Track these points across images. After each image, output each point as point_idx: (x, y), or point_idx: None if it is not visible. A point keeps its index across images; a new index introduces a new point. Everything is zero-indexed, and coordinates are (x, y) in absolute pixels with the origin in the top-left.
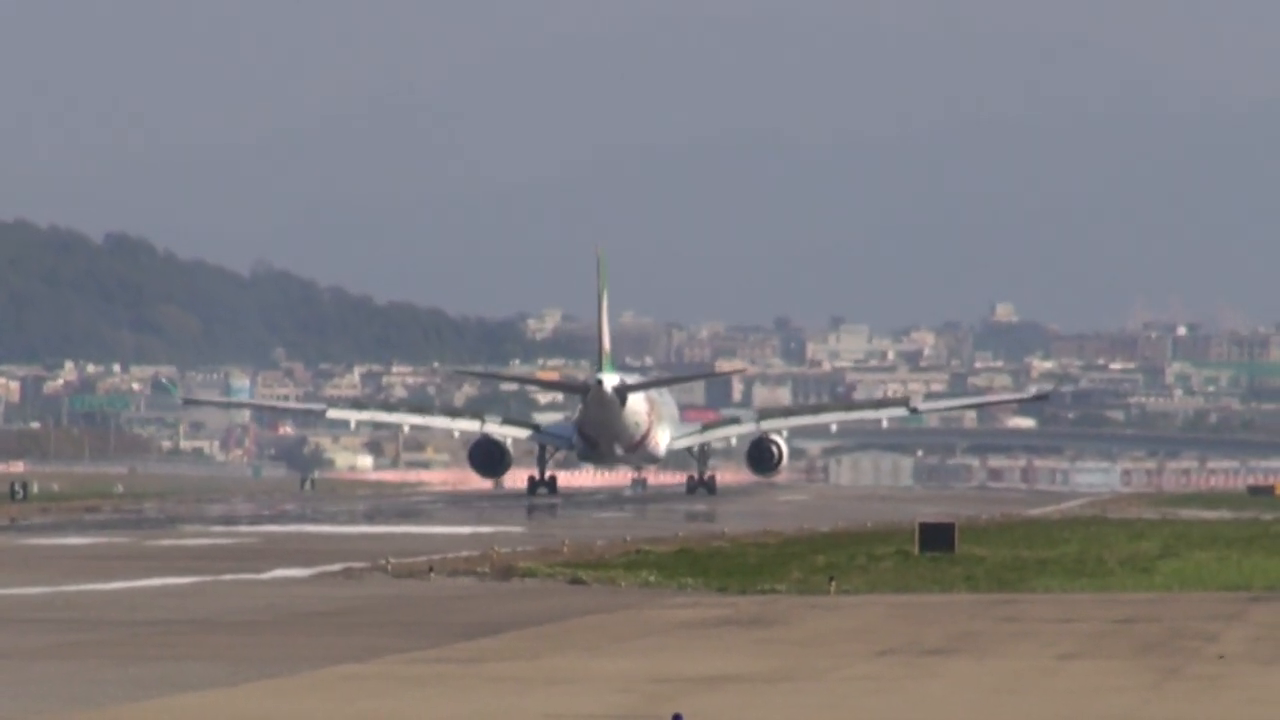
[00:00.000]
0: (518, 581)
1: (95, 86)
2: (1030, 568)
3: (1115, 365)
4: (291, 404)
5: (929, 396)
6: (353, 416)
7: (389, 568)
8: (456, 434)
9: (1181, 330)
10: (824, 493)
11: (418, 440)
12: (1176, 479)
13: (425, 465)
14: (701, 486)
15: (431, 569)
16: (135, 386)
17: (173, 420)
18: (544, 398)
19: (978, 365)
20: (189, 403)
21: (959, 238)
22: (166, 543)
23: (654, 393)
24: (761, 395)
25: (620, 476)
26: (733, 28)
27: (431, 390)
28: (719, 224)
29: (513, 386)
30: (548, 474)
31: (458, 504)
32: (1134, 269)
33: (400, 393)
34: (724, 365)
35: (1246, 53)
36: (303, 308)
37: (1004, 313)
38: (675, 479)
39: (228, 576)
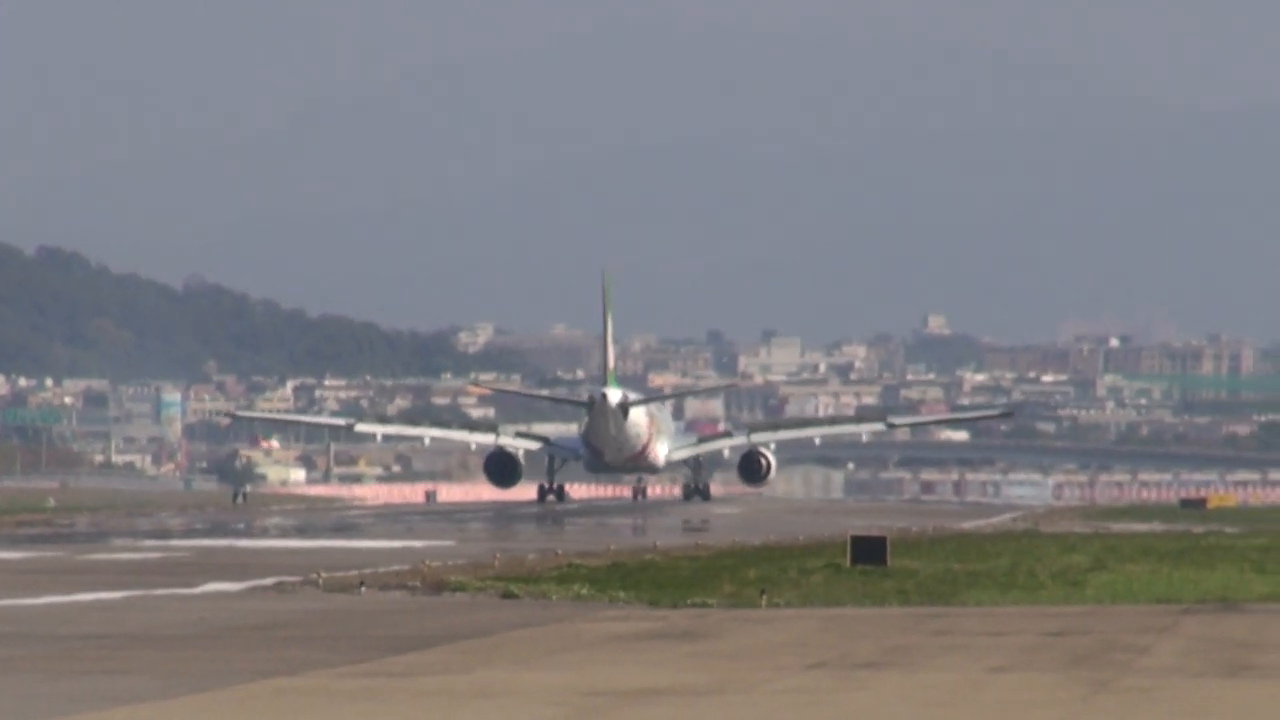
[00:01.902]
0: (449, 596)
1: (27, 100)
2: (962, 581)
3: (1047, 378)
4: (321, 419)
5: (894, 411)
6: (379, 430)
7: (320, 582)
8: (474, 446)
9: (1114, 342)
10: (756, 506)
11: (349, 454)
12: (1108, 492)
13: (358, 479)
14: (697, 494)
15: (363, 583)
16: (68, 400)
17: (104, 434)
18: (477, 411)
19: (910, 378)
20: (234, 418)
21: (891, 251)
22: (98, 557)
23: (653, 407)
24: (694, 408)
25: (623, 488)
26: (663, 44)
27: (364, 403)
28: (651, 238)
29: (445, 400)
30: (556, 484)
31: (389, 518)
32: (1066, 282)
33: (333, 406)
34: (659, 379)
35: (1179, 67)
36: (235, 321)
37: (936, 325)
38: (671, 490)
39: (159, 591)
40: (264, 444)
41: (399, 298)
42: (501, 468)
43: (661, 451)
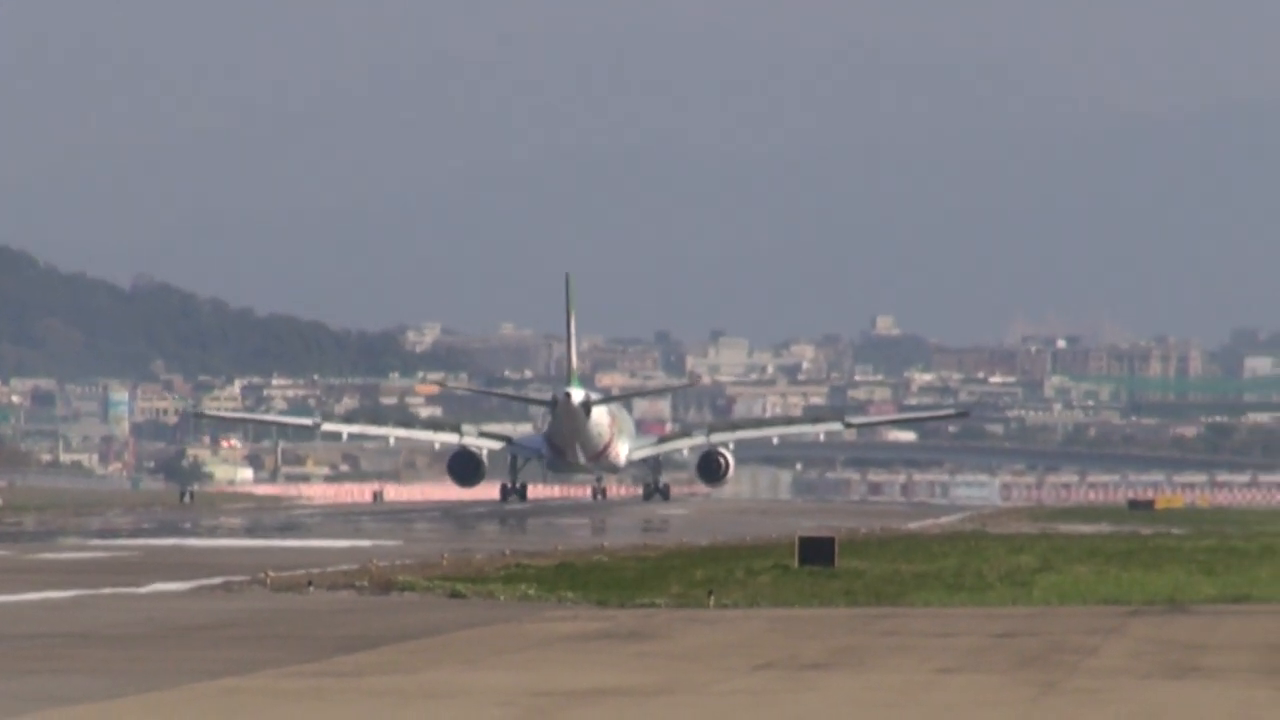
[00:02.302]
0: (396, 595)
1: None
2: (909, 582)
3: (995, 379)
4: (285, 418)
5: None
6: (344, 429)
7: (268, 581)
8: (437, 445)
9: (1061, 343)
10: (704, 506)
11: (297, 454)
12: (1056, 493)
13: (305, 479)
14: (657, 494)
15: (310, 583)
16: (15, 399)
17: (52, 433)
18: (425, 410)
19: (858, 378)
20: (200, 416)
21: (839, 251)
22: (45, 556)
23: (615, 406)
24: (641, 409)
25: (584, 488)
26: (609, 43)
27: (312, 402)
28: (599, 237)
29: (392, 399)
30: (518, 483)
31: (337, 518)
32: (1014, 283)
33: (280, 405)
34: (607, 379)
35: (1126, 70)
36: (183, 320)
37: (884, 326)
38: (632, 491)
39: (106, 590)
40: (226, 443)
41: (346, 297)
42: (464, 467)
43: (623, 451)
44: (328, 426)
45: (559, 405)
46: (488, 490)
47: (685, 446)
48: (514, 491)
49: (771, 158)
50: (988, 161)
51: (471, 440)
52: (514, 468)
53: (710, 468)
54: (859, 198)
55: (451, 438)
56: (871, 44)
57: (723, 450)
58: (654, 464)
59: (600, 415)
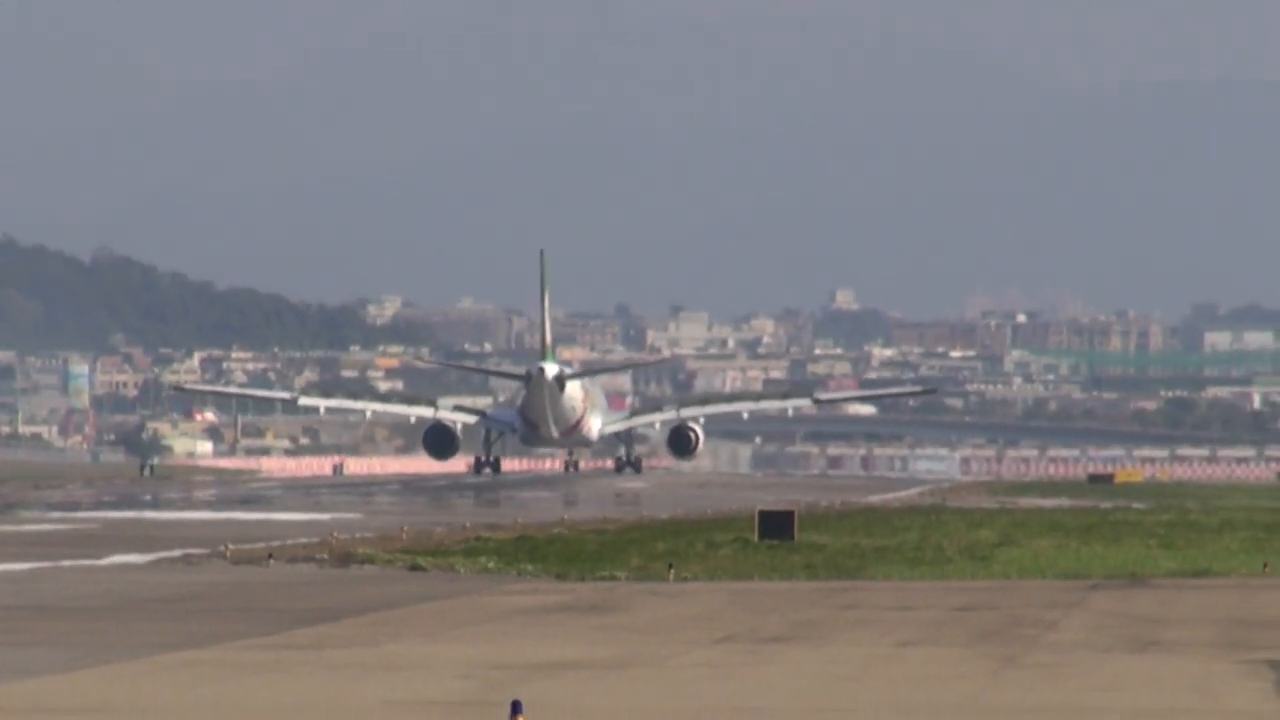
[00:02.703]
0: (356, 568)
1: None
2: (869, 555)
3: (955, 353)
4: (262, 391)
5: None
6: (321, 403)
7: (228, 554)
8: (413, 419)
9: (1021, 318)
10: (663, 480)
11: (257, 427)
12: (1016, 467)
13: (265, 451)
14: (629, 467)
15: (270, 555)
16: None
17: (11, 405)
18: (385, 384)
19: (817, 352)
20: (177, 389)
21: (799, 225)
22: (4, 528)
23: (587, 381)
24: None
25: (557, 461)
26: (567, 26)
27: (272, 375)
28: (559, 211)
29: (353, 373)
30: (492, 456)
31: (296, 490)
32: (974, 257)
33: (240, 378)
34: (568, 353)
35: (1079, 43)
36: (143, 293)
37: (844, 300)
38: (605, 464)
39: (66, 563)
40: (199, 416)
41: (307, 271)
42: (439, 440)
43: (595, 425)
44: (305, 400)
45: (533, 380)
46: (462, 463)
47: (657, 421)
48: (487, 464)
49: (731, 133)
50: (948, 137)
51: (446, 414)
52: (488, 441)
53: (681, 442)
54: (818, 172)
55: (426, 411)
56: (830, 21)
57: (693, 425)
58: (626, 438)
59: (574, 390)
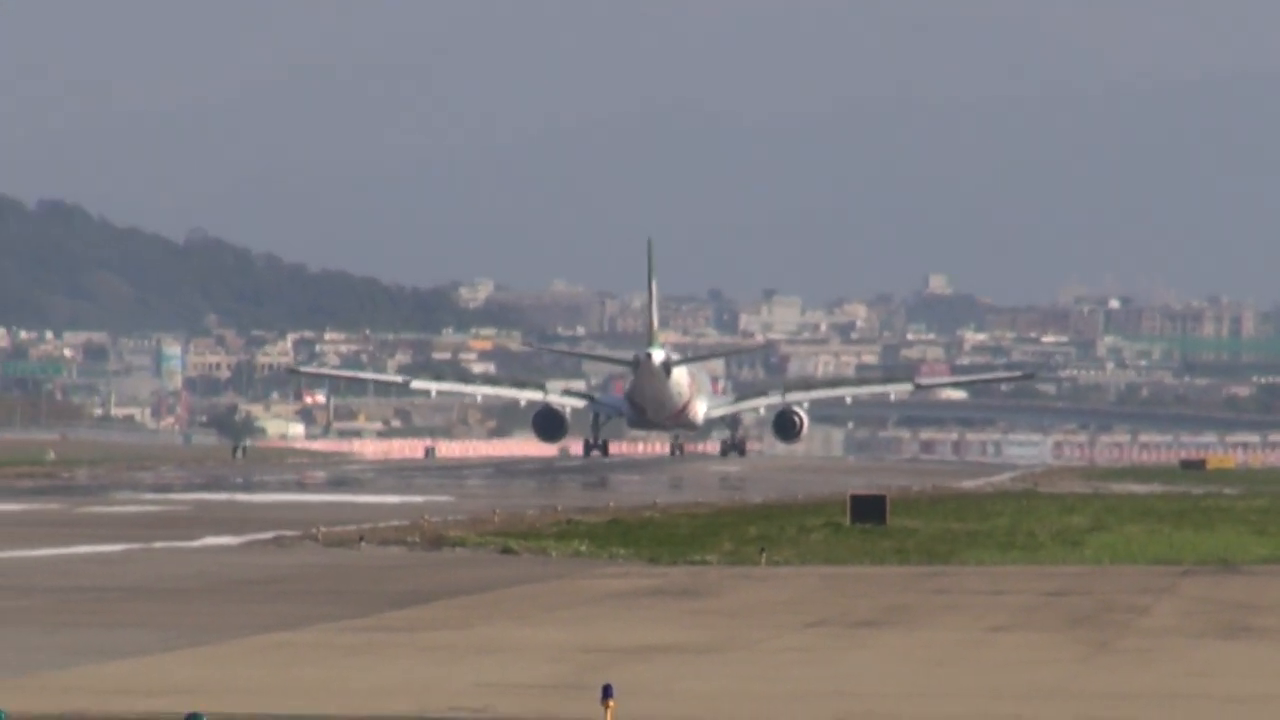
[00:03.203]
0: (448, 551)
1: (27, 53)
2: (961, 540)
3: (1048, 338)
4: (379, 375)
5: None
6: (433, 386)
7: (319, 536)
8: (523, 402)
9: (1114, 304)
10: (756, 464)
11: (349, 409)
12: (1108, 452)
13: (357, 434)
14: (734, 450)
15: (362, 538)
16: (68, 353)
17: (104, 387)
18: (478, 366)
19: (910, 337)
20: (292, 372)
21: (892, 210)
22: (97, 509)
23: (694, 367)
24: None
25: (663, 446)
26: (655, 12)
27: (364, 358)
28: (651, 195)
29: (446, 355)
30: (600, 439)
31: (389, 473)
32: (1067, 243)
33: (333, 360)
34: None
35: (1182, 27)
36: (236, 275)
37: (937, 285)
38: (707, 447)
39: (158, 544)
40: (310, 400)
41: (400, 254)
42: (548, 423)
43: (701, 409)
44: (417, 384)
45: (640, 365)
46: (572, 445)
47: (762, 405)
48: (596, 447)
49: (824, 117)
50: (1041, 120)
51: (555, 398)
52: (596, 425)
53: (786, 426)
54: (911, 156)
55: (536, 395)
56: (919, 5)
57: (797, 409)
58: (731, 421)
59: (680, 375)
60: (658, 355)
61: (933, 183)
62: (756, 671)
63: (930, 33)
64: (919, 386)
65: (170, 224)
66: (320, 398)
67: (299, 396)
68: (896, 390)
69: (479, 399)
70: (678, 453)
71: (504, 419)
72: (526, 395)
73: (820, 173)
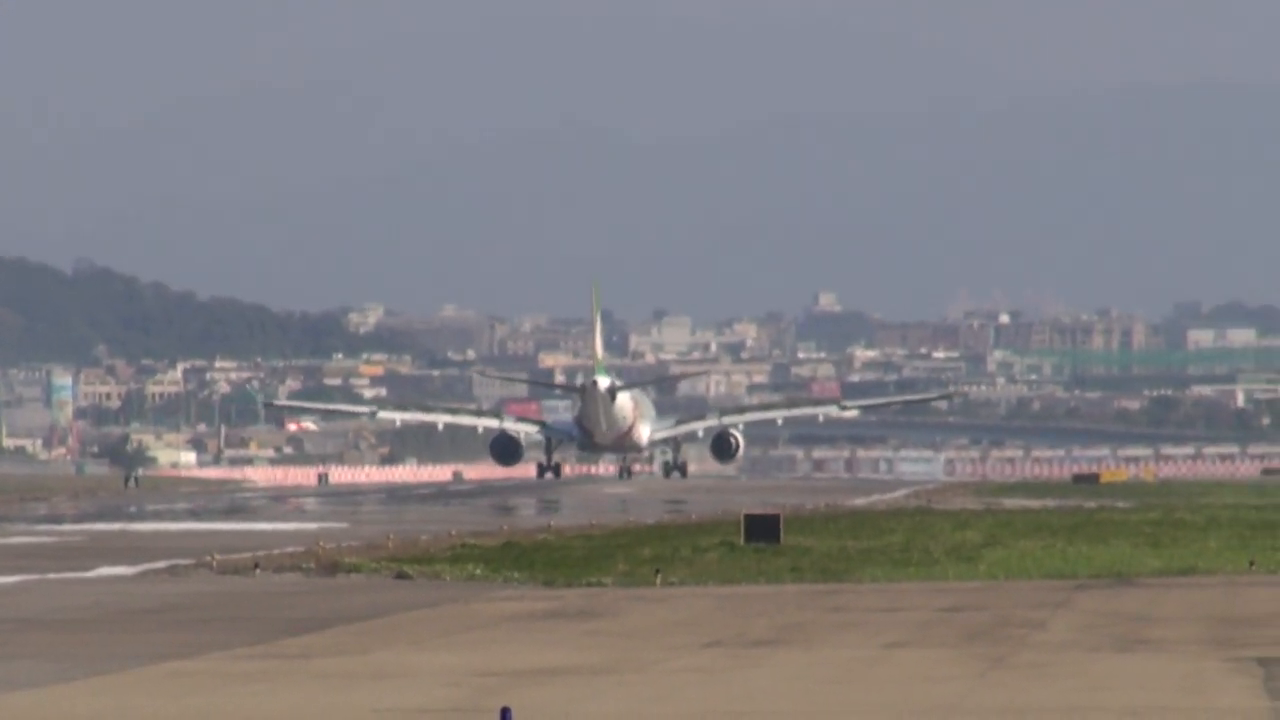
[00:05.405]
0: (343, 577)
1: None
2: (856, 558)
3: (938, 354)
4: (346, 406)
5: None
6: (398, 416)
7: (214, 564)
8: (480, 429)
9: (1004, 318)
10: (648, 485)
11: (240, 437)
12: (1001, 468)
13: (249, 462)
14: (676, 470)
15: (257, 565)
16: None
17: None
18: (369, 391)
19: (800, 355)
20: (270, 407)
21: (781, 229)
22: None
23: (636, 392)
24: None
25: (612, 467)
26: (556, 25)
27: (255, 384)
28: (539, 218)
29: (336, 380)
30: (554, 462)
31: (282, 500)
32: (956, 258)
33: (224, 388)
34: (550, 359)
35: (1060, 44)
36: (125, 304)
37: (827, 302)
38: (651, 469)
39: (53, 575)
40: (297, 427)
41: (288, 280)
42: (505, 449)
43: (645, 432)
44: (383, 414)
45: (587, 392)
46: (525, 470)
47: (700, 428)
48: (549, 469)
49: (710, 138)
50: (928, 138)
51: (510, 424)
52: (549, 448)
53: (723, 446)
54: (799, 175)
55: (493, 422)
56: (809, 25)
57: (733, 431)
58: (673, 444)
59: (624, 400)
60: (603, 382)
61: (821, 200)
62: (654, 692)
63: (815, 50)
64: (844, 408)
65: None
66: (309, 424)
67: (282, 425)
68: (825, 412)
69: (440, 426)
70: (626, 474)
71: (396, 445)
72: (484, 423)
73: (709, 192)
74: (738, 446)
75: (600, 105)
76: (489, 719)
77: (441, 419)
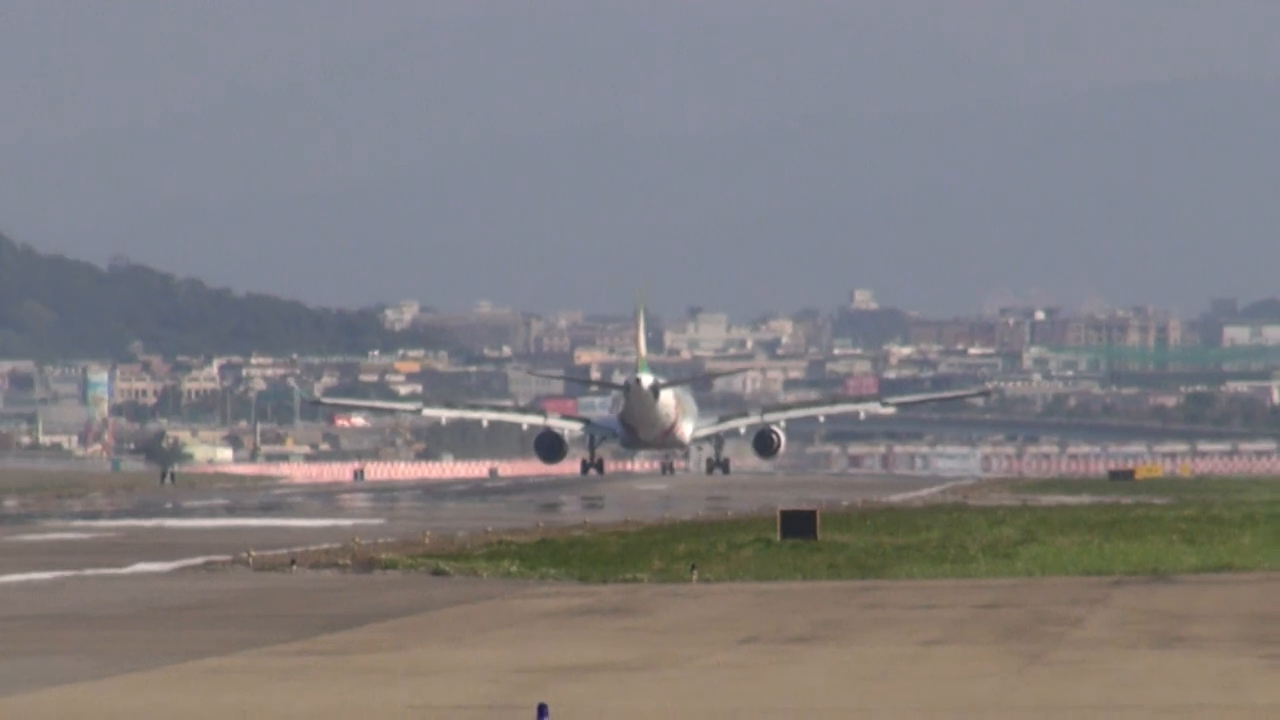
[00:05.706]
0: (379, 573)
1: None
2: (892, 554)
3: (974, 350)
4: (392, 404)
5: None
6: (443, 414)
7: (250, 561)
8: (525, 426)
9: (1039, 315)
10: (684, 481)
11: (277, 433)
12: (1037, 464)
13: (284, 458)
14: (718, 468)
15: (293, 562)
16: None
17: (31, 415)
18: (405, 388)
19: (836, 352)
20: (315, 404)
21: (817, 226)
22: (27, 538)
23: (679, 390)
24: None
25: (655, 464)
26: (594, 21)
27: (291, 381)
28: (576, 215)
29: (372, 377)
30: (597, 458)
31: (318, 496)
32: (992, 255)
33: (260, 385)
34: (586, 355)
35: (1102, 40)
36: (161, 301)
37: (862, 299)
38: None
39: (89, 571)
40: (348, 423)
41: (324, 277)
42: (549, 446)
43: (687, 429)
44: (429, 412)
45: (631, 390)
46: (570, 466)
47: (742, 425)
48: (593, 466)
49: (747, 134)
50: (966, 135)
51: (555, 422)
52: (592, 445)
53: (764, 443)
54: (836, 172)
55: (537, 420)
56: (849, 21)
57: (775, 428)
58: (715, 440)
59: (667, 398)
60: (646, 380)
61: (857, 198)
62: (690, 689)
63: (856, 50)
64: (885, 404)
65: (93, 251)
66: (357, 420)
67: (332, 421)
68: (866, 409)
69: (484, 423)
70: (668, 471)
71: (432, 441)
72: (529, 420)
73: (744, 189)
74: (779, 443)
75: (638, 103)
76: (526, 715)
77: (486, 416)
